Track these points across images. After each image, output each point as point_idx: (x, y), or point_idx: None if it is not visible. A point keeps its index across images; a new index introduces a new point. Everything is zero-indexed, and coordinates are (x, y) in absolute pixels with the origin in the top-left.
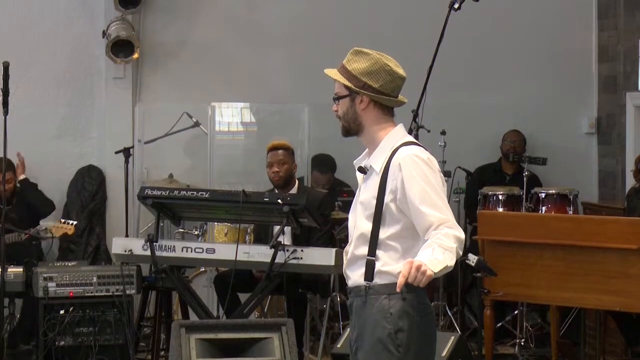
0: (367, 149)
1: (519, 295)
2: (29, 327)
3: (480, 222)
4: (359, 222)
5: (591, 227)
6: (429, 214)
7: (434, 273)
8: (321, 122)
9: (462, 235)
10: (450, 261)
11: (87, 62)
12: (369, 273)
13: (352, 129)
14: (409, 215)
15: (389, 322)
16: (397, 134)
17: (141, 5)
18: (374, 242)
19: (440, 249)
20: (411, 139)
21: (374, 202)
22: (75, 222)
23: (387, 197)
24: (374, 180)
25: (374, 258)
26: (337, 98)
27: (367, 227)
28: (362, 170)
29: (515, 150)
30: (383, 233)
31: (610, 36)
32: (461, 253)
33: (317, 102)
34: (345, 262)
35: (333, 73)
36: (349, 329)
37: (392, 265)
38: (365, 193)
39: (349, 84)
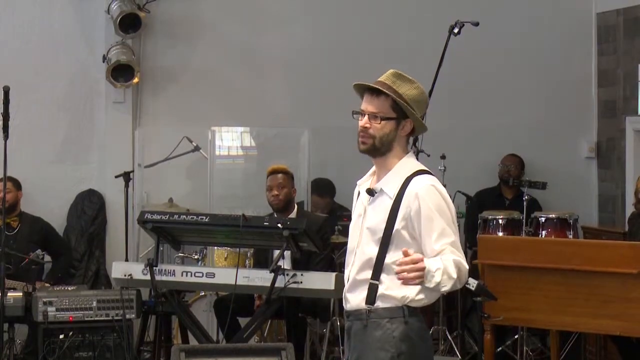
0: (373, 170)
1: (519, 320)
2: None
3: (480, 247)
4: (366, 247)
5: (591, 251)
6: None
7: (422, 285)
8: (321, 146)
9: (465, 271)
10: (442, 288)
11: (87, 87)
12: (371, 297)
13: (380, 150)
14: (420, 243)
15: (392, 346)
16: (410, 161)
17: (141, 30)
18: (379, 266)
19: (445, 274)
20: (424, 167)
21: (383, 226)
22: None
23: (399, 224)
24: (385, 205)
25: (377, 282)
26: (385, 118)
27: (374, 252)
28: (371, 192)
29: (510, 174)
30: (390, 258)
31: (609, 60)
32: (459, 286)
33: (317, 126)
34: (346, 286)
35: (390, 90)
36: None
37: (395, 289)
38: (374, 217)
39: (408, 107)
